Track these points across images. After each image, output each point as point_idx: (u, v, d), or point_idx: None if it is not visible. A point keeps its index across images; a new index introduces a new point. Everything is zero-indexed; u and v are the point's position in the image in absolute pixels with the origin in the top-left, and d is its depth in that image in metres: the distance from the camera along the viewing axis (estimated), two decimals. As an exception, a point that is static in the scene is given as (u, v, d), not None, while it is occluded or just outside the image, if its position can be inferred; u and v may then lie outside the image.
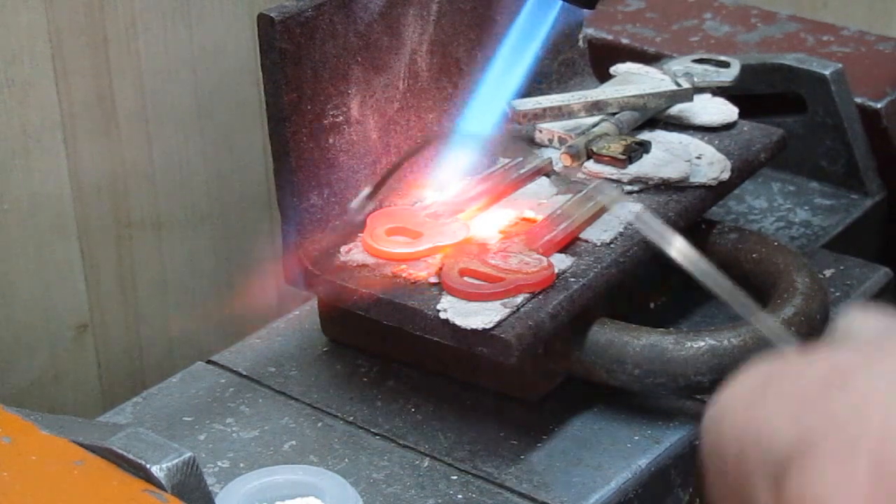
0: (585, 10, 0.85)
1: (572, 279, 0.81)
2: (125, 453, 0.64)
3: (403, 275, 0.81)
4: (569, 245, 0.84)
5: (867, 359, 0.41)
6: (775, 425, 0.41)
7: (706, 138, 0.94)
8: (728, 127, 0.96)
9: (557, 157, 0.92)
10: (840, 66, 1.08)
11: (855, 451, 0.38)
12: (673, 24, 1.22)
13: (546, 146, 0.94)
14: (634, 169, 0.89)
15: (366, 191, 0.85)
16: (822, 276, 0.95)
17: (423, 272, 0.81)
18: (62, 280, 1.00)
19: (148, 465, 0.63)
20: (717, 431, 0.43)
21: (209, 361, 0.91)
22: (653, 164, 0.90)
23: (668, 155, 0.91)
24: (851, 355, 0.41)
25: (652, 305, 0.93)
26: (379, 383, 0.88)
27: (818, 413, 0.40)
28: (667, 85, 0.95)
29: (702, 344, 0.80)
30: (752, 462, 0.41)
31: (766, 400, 0.41)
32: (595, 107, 0.93)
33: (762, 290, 0.88)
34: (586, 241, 0.84)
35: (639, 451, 0.81)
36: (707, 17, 1.23)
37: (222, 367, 0.90)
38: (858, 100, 1.09)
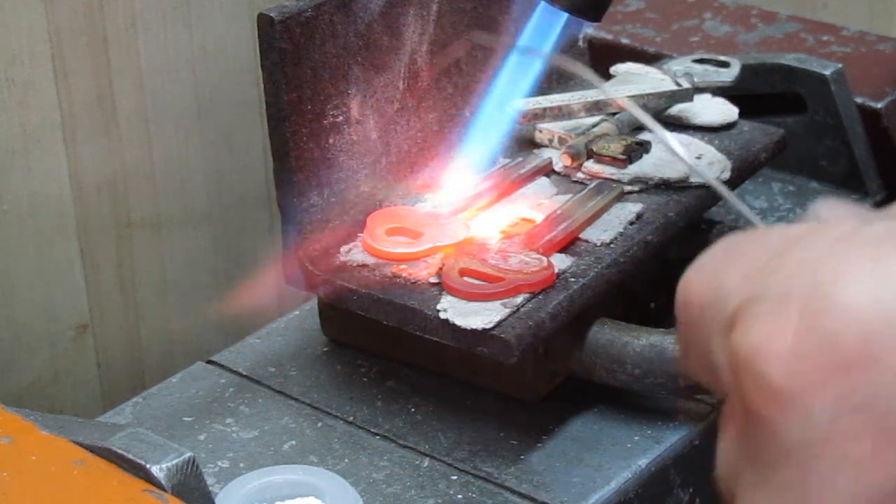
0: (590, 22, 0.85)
1: (572, 279, 0.81)
2: (125, 453, 0.64)
3: (403, 275, 0.81)
4: (569, 245, 0.84)
5: (811, 230, 0.45)
6: (729, 286, 0.46)
7: (706, 138, 0.94)
8: (728, 127, 0.96)
9: (557, 157, 0.92)
10: (840, 66, 1.08)
11: (786, 305, 0.43)
12: (673, 24, 1.22)
13: (546, 146, 0.94)
14: (634, 169, 0.89)
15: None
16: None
17: (423, 272, 0.81)
18: (62, 280, 1.00)
19: (148, 465, 0.63)
20: (684, 296, 0.48)
21: (209, 361, 0.91)
22: (653, 164, 0.90)
23: (669, 155, 0.91)
24: (800, 228, 0.46)
25: (652, 305, 0.93)
26: (379, 383, 0.88)
27: (763, 274, 0.45)
28: (667, 85, 0.95)
29: (702, 344, 0.80)
30: (710, 319, 0.46)
31: (728, 264, 0.46)
32: (595, 107, 0.93)
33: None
34: (586, 241, 0.84)
35: (639, 451, 0.81)
36: (707, 17, 1.23)
37: (222, 367, 0.90)
38: (858, 100, 1.09)
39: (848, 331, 0.42)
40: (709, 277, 0.47)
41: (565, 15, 0.82)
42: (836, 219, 0.48)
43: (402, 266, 0.82)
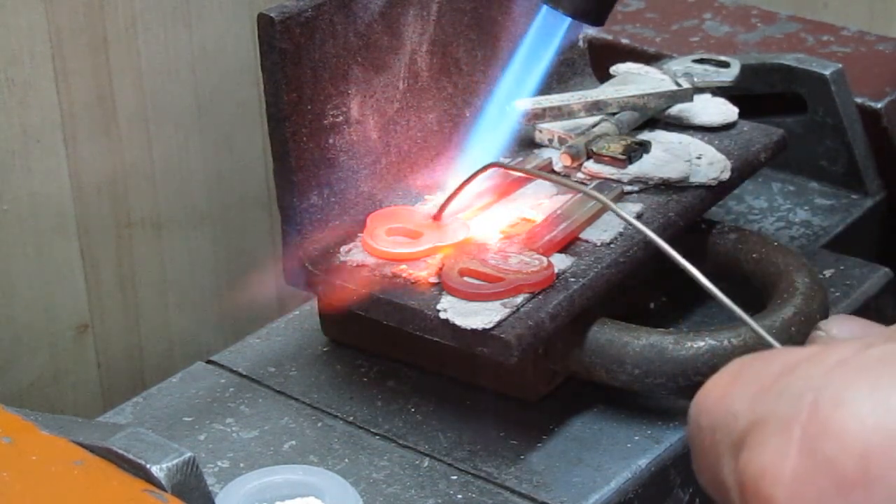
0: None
1: (572, 279, 0.81)
2: (125, 453, 0.64)
3: (403, 275, 0.81)
4: (569, 245, 0.84)
5: (814, 354, 0.47)
6: (737, 409, 0.48)
7: (706, 138, 0.94)
8: (728, 127, 0.96)
9: (557, 157, 0.92)
10: (840, 66, 1.08)
11: (789, 429, 0.45)
12: (673, 24, 1.22)
13: (546, 146, 0.94)
14: (634, 169, 0.89)
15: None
16: (822, 276, 0.94)
17: (423, 272, 0.81)
18: (62, 280, 1.00)
19: (148, 465, 0.63)
20: (697, 416, 0.50)
21: (209, 361, 0.91)
22: (653, 164, 0.90)
23: (668, 155, 0.91)
24: (805, 351, 0.48)
25: (652, 305, 0.93)
26: (379, 383, 0.88)
27: (770, 395, 0.47)
28: (667, 85, 0.95)
29: (702, 344, 0.80)
30: (720, 441, 0.48)
31: (735, 386, 0.49)
32: (595, 107, 0.93)
33: (762, 290, 0.88)
34: (586, 241, 0.84)
35: (639, 451, 0.81)
36: (707, 17, 1.23)
37: (222, 367, 0.90)
38: (858, 100, 1.09)
39: (847, 454, 0.43)
40: (717, 400, 0.49)
41: (568, 18, 0.82)
42: (840, 340, 0.50)
43: (402, 266, 0.82)
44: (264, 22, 0.81)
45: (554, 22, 0.84)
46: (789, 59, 1.09)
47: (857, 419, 0.44)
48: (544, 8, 0.82)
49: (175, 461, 0.64)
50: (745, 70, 0.99)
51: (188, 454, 0.64)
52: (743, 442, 0.46)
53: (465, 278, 0.80)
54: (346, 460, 0.81)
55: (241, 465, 0.81)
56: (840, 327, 0.55)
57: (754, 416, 0.46)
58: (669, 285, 0.93)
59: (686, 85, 0.95)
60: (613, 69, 1.00)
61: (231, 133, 1.07)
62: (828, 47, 1.17)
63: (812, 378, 0.46)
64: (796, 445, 0.44)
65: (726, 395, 0.49)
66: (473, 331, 0.77)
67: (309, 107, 0.83)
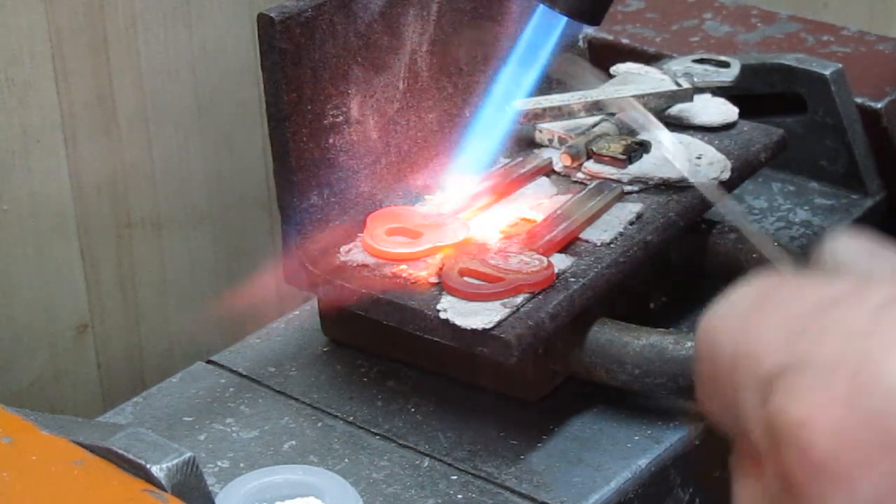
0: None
1: (572, 279, 0.81)
2: (125, 453, 0.64)
3: (403, 275, 0.81)
4: (569, 245, 0.84)
5: (857, 288, 0.43)
6: (767, 342, 0.44)
7: (706, 138, 0.94)
8: (728, 127, 0.96)
9: (557, 157, 0.92)
10: (840, 66, 1.08)
11: (834, 376, 0.41)
12: (673, 24, 1.22)
13: (546, 146, 0.94)
14: (634, 169, 0.89)
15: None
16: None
17: (423, 272, 0.81)
18: (62, 280, 1.00)
19: (148, 465, 0.63)
20: (712, 339, 0.46)
21: (209, 361, 0.91)
22: (653, 164, 0.90)
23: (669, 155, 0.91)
24: (844, 284, 0.44)
25: (652, 305, 0.93)
26: (379, 383, 0.88)
27: (808, 336, 0.43)
28: (667, 85, 0.95)
29: (702, 344, 0.80)
30: (743, 374, 0.44)
31: (762, 316, 0.44)
32: (595, 107, 0.93)
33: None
34: (586, 241, 0.84)
35: (639, 451, 0.81)
36: (707, 17, 1.23)
37: (222, 367, 0.90)
38: (858, 100, 1.09)
39: (895, 410, 0.41)
40: (741, 325, 0.45)
41: (564, 18, 0.82)
42: (876, 278, 0.47)
43: (402, 266, 0.82)
44: (264, 22, 0.81)
45: (550, 21, 0.84)
46: (789, 59, 1.09)
47: None
48: (540, 7, 0.82)
49: (175, 461, 0.64)
50: (745, 70, 0.99)
51: (188, 454, 0.64)
52: (776, 383, 0.43)
53: (465, 278, 0.80)
54: (346, 460, 0.81)
55: (241, 465, 0.81)
56: (846, 249, 0.49)
57: (790, 358, 0.43)
58: (669, 285, 0.93)
59: (686, 85, 0.95)
60: (613, 69, 1.00)
61: (231, 133, 1.07)
62: (828, 47, 1.17)
63: (854, 321, 0.42)
64: (843, 395, 0.41)
65: (752, 325, 0.44)
66: (473, 331, 0.77)
67: (309, 107, 0.83)
